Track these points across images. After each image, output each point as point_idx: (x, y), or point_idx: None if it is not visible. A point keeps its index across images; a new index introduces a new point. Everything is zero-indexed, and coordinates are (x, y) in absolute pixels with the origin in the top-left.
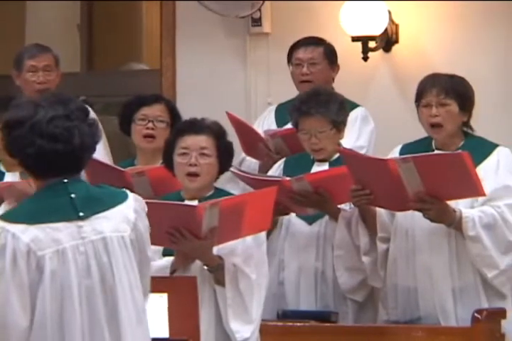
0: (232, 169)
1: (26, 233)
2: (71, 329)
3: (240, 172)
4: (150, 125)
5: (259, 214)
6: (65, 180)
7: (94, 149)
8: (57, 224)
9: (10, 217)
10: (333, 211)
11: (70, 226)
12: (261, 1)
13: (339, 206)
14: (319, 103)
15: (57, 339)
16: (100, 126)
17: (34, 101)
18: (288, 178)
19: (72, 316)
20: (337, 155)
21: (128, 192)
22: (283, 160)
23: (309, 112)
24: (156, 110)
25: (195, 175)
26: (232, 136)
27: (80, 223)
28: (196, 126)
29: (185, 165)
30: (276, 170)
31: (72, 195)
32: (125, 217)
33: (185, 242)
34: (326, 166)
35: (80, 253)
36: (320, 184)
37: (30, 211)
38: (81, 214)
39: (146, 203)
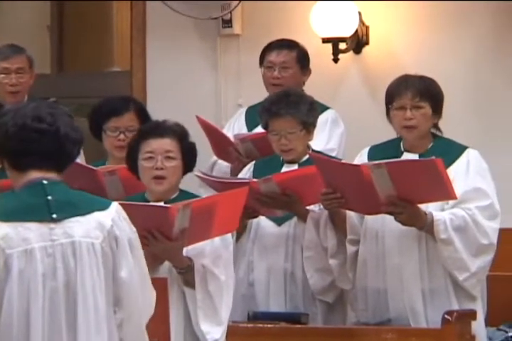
0: (196, 173)
1: None
2: (35, 329)
3: (204, 176)
4: (121, 136)
5: (228, 214)
6: (45, 182)
7: (77, 145)
8: (30, 223)
9: None
10: (301, 212)
11: (41, 227)
12: (235, 2)
13: (308, 207)
14: (289, 104)
15: (22, 338)
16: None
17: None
18: (255, 180)
19: (36, 316)
20: (306, 156)
21: (113, 203)
22: (253, 163)
23: (279, 113)
24: (126, 120)
25: (161, 177)
26: (202, 138)
27: (52, 225)
28: (159, 129)
29: (151, 169)
30: (246, 172)
31: (49, 197)
32: (100, 224)
33: (157, 244)
34: (295, 168)
35: (47, 255)
36: (288, 185)
37: (5, 208)
38: (54, 216)
39: (119, 205)
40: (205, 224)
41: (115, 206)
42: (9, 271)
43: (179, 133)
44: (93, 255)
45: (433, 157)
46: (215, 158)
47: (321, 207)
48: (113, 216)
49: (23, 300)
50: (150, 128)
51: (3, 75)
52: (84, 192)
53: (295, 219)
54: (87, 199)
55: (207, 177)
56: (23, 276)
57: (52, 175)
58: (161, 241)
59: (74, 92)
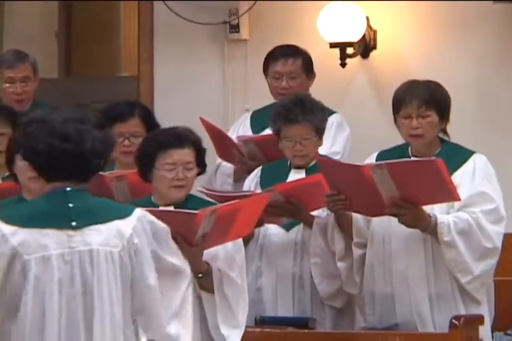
0: (198, 189)
1: (16, 236)
2: (50, 335)
3: (207, 192)
4: (126, 142)
5: (247, 219)
6: (68, 189)
7: (105, 157)
8: (48, 230)
9: (5, 217)
10: (307, 219)
11: (60, 234)
12: (244, 6)
13: (315, 213)
14: (305, 110)
15: (36, 340)
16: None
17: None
18: (258, 191)
19: (51, 322)
20: (314, 161)
21: (136, 210)
22: (259, 168)
23: (296, 120)
24: (130, 126)
25: (182, 187)
26: (207, 141)
27: (71, 232)
28: (179, 140)
29: (172, 180)
30: (253, 178)
31: (70, 205)
32: (119, 232)
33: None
34: (303, 173)
35: (65, 262)
36: (291, 193)
37: (25, 214)
38: (73, 223)
39: (147, 211)
40: (224, 229)
41: (138, 213)
42: (26, 277)
43: (196, 142)
44: (111, 263)
45: (433, 157)
46: (219, 160)
47: (328, 212)
48: (134, 224)
49: (38, 305)
50: (170, 139)
51: (8, 85)
52: (107, 200)
53: (303, 224)
54: (108, 207)
55: (209, 192)
56: (39, 282)
57: (78, 185)
58: (182, 246)
59: (81, 97)
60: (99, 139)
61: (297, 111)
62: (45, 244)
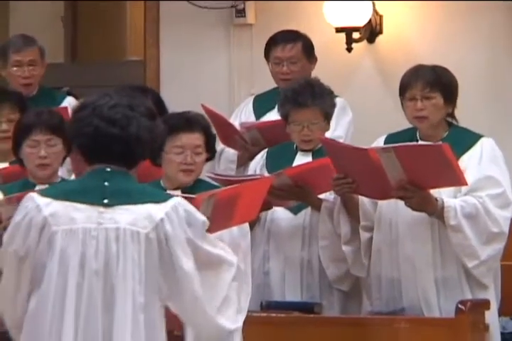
0: (207, 174)
1: (49, 207)
2: (69, 307)
3: (215, 176)
4: None
5: (250, 204)
6: (108, 169)
7: (150, 145)
8: (80, 204)
9: (43, 192)
10: (315, 202)
11: (91, 209)
12: None
13: (322, 196)
14: (315, 95)
15: (56, 312)
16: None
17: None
18: (267, 175)
19: (71, 295)
20: (320, 145)
21: (174, 198)
22: (265, 151)
23: (306, 104)
24: None
25: (190, 171)
26: None
27: (102, 209)
28: (190, 124)
29: (180, 163)
30: (259, 160)
31: (106, 183)
32: (150, 215)
33: None
34: (309, 156)
35: (91, 237)
36: (300, 177)
37: (62, 189)
38: (105, 201)
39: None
40: (226, 214)
41: (174, 201)
42: (52, 248)
43: (206, 128)
44: (137, 243)
45: (440, 142)
46: (222, 145)
47: (336, 195)
48: (167, 210)
49: (61, 278)
50: (179, 123)
51: (15, 68)
52: (148, 186)
53: (310, 208)
54: (145, 191)
55: (217, 176)
56: (64, 254)
57: (119, 167)
58: None
59: (87, 82)
60: (145, 127)
61: (306, 95)
62: (74, 217)
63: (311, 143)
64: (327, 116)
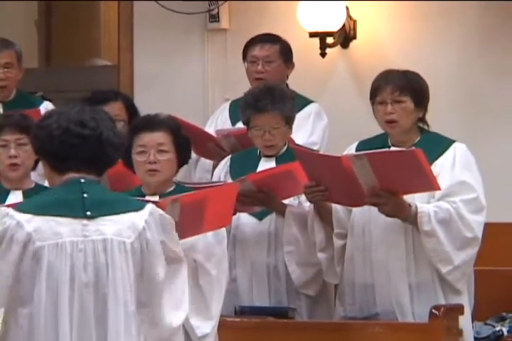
0: (174, 181)
1: (31, 223)
2: (63, 322)
3: (179, 183)
4: None
5: (220, 210)
6: (82, 180)
7: (119, 147)
8: (63, 218)
9: (20, 207)
10: (279, 207)
11: (74, 222)
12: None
13: (286, 201)
14: (274, 99)
15: (50, 328)
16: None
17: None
18: (229, 181)
19: (64, 309)
20: (283, 149)
21: (149, 205)
22: (229, 157)
23: (265, 108)
24: (113, 109)
25: (155, 171)
26: None
27: (85, 221)
28: (151, 123)
29: (144, 163)
30: (222, 167)
31: (85, 195)
32: (133, 224)
33: None
34: (273, 161)
35: (78, 250)
36: (263, 183)
37: (40, 203)
38: (88, 213)
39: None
40: (196, 219)
41: (150, 208)
42: (39, 264)
43: (172, 126)
44: (124, 253)
45: (412, 147)
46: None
47: (300, 200)
48: (146, 218)
49: (51, 292)
50: (142, 123)
51: None
52: (120, 193)
53: (275, 213)
54: (122, 199)
55: (181, 184)
56: (52, 270)
57: (91, 177)
58: None
59: (61, 86)
60: (113, 130)
61: (266, 100)
62: (58, 231)
63: (273, 148)
64: (288, 121)
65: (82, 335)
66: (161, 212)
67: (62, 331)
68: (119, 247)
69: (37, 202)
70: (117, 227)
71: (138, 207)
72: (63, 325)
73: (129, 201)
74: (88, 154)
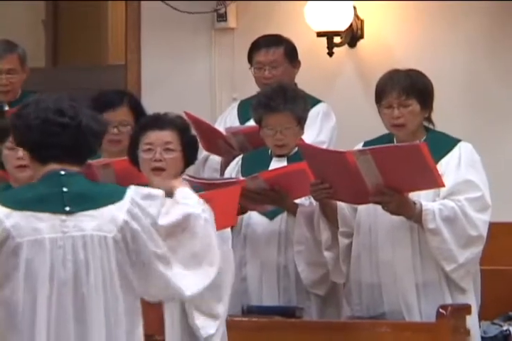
0: (184, 177)
1: (10, 218)
2: (40, 319)
3: (193, 179)
4: (115, 131)
5: (224, 211)
6: (62, 172)
7: (99, 137)
8: (42, 214)
9: (0, 201)
10: (290, 207)
11: (53, 218)
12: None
13: (298, 201)
14: (287, 99)
15: (27, 326)
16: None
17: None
18: (242, 178)
19: (42, 307)
20: (295, 149)
21: (128, 191)
22: (240, 156)
23: (278, 108)
24: (119, 114)
25: (160, 169)
26: None
27: (64, 217)
28: (159, 122)
29: (150, 161)
30: (234, 166)
31: (64, 189)
32: (113, 217)
33: None
34: (284, 161)
35: (57, 247)
36: (275, 181)
37: (20, 197)
38: (67, 208)
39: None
40: None
41: (130, 194)
42: (18, 260)
43: (179, 126)
44: (105, 248)
45: (417, 141)
46: (206, 153)
47: (311, 200)
48: (128, 207)
49: (30, 289)
50: (150, 121)
51: None
52: (102, 184)
53: (286, 212)
54: (103, 191)
55: (194, 179)
56: (31, 266)
57: (73, 168)
58: None
59: (68, 86)
60: (93, 117)
61: (279, 100)
62: (37, 227)
63: (284, 148)
64: (300, 121)
65: (60, 333)
66: (144, 191)
67: (39, 329)
68: (99, 243)
69: (17, 196)
70: (97, 222)
71: (118, 198)
72: (41, 323)
73: (110, 193)
74: (68, 143)
